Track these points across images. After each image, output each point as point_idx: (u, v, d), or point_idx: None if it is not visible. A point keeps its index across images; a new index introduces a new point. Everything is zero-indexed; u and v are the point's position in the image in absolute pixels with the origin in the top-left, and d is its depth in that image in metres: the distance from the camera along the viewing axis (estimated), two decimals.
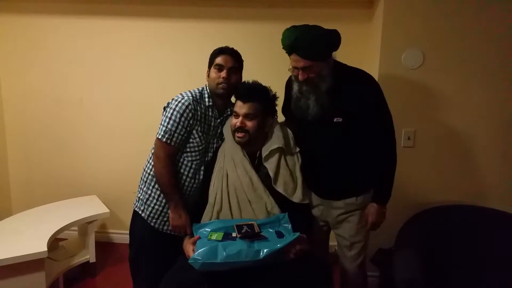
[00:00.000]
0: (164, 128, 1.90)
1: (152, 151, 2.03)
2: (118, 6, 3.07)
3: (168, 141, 1.90)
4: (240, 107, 1.84)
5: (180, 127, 1.89)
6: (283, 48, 1.83)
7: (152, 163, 2.00)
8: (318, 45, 1.75)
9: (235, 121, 1.85)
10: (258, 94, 1.87)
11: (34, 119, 3.33)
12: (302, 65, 1.76)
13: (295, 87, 1.87)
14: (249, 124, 1.83)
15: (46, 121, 3.32)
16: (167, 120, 1.89)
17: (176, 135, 1.90)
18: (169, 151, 1.93)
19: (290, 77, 2.02)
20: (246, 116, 1.83)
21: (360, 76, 1.88)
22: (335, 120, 1.83)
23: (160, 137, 1.91)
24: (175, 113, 1.88)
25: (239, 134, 1.84)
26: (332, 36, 1.79)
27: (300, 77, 1.80)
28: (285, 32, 1.81)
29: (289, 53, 1.81)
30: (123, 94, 3.22)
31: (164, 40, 3.10)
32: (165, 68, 3.14)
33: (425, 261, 2.02)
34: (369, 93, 1.84)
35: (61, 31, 3.18)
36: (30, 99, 3.31)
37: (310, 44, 1.74)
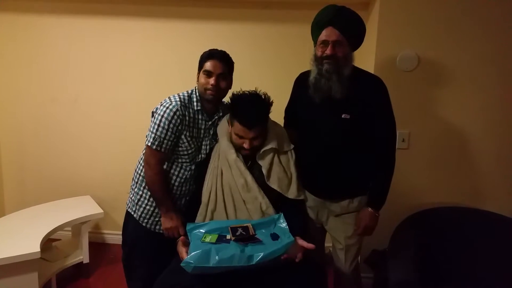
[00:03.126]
0: (153, 135, 1.89)
1: (143, 154, 2.03)
2: (114, 6, 3.06)
3: (158, 148, 1.90)
4: (246, 133, 1.80)
5: (169, 133, 1.89)
6: (317, 23, 1.85)
7: (143, 164, 2.00)
8: (356, 26, 1.85)
9: (240, 142, 1.83)
10: (262, 119, 1.85)
11: (27, 118, 3.31)
12: (335, 38, 1.79)
13: (314, 70, 1.88)
14: (255, 143, 1.84)
15: (39, 120, 3.30)
16: (156, 127, 1.88)
17: (165, 141, 1.90)
18: (160, 158, 1.93)
19: (300, 74, 2.06)
20: (254, 138, 1.83)
21: (372, 79, 1.93)
22: (343, 116, 1.84)
23: (150, 144, 1.90)
24: (163, 119, 1.87)
25: (246, 152, 1.85)
26: (364, 30, 1.89)
27: (328, 51, 1.80)
28: (325, 7, 1.86)
29: (324, 27, 1.82)
30: (118, 94, 3.20)
31: (160, 40, 3.09)
32: (160, 68, 3.13)
33: (419, 263, 2.02)
34: (378, 95, 1.87)
35: (56, 30, 3.16)
36: (24, 98, 3.28)
37: (350, 21, 1.83)
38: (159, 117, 1.88)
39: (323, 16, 1.84)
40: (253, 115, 1.80)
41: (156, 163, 1.92)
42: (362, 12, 2.77)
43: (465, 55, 2.46)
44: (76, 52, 3.17)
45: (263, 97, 1.87)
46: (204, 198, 1.91)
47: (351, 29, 1.83)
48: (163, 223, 1.96)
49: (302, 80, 1.98)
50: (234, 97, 1.87)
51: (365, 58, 2.69)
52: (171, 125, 1.88)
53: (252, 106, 1.82)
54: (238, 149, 1.87)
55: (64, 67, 3.21)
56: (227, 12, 2.98)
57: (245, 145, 1.82)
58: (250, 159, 1.91)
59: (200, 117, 2.00)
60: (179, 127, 1.91)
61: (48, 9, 3.12)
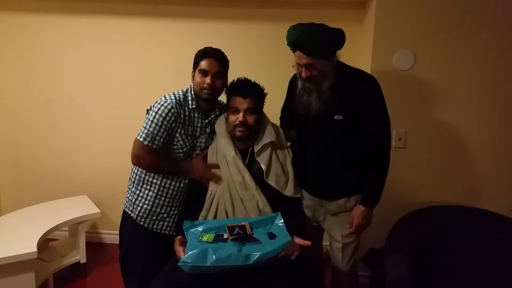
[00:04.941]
0: (145, 131, 1.89)
1: None
2: (111, 5, 3.05)
3: (150, 144, 1.90)
4: (241, 103, 1.86)
5: (162, 130, 1.89)
6: (287, 44, 1.83)
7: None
8: (321, 43, 1.75)
9: (235, 117, 1.87)
10: (256, 90, 1.91)
11: (24, 118, 3.30)
12: (305, 62, 1.77)
13: (299, 84, 1.89)
14: (249, 118, 1.86)
15: (36, 120, 3.29)
16: (149, 123, 1.89)
17: (158, 138, 1.90)
18: (150, 151, 1.92)
19: (294, 75, 2.04)
20: (247, 111, 1.86)
21: (363, 77, 1.91)
22: (335, 117, 1.84)
23: (141, 139, 1.89)
24: (157, 116, 1.88)
25: (240, 129, 1.86)
26: (336, 34, 1.80)
27: (303, 74, 1.81)
28: (290, 29, 1.81)
29: (293, 49, 1.82)
30: (115, 94, 3.20)
31: (156, 40, 3.09)
32: (157, 68, 3.12)
33: (415, 261, 2.03)
34: (370, 93, 1.85)
35: (52, 30, 3.15)
36: (20, 98, 3.27)
37: (313, 42, 1.74)
38: (153, 114, 1.89)
39: (288, 39, 1.81)
40: (246, 84, 1.91)
41: (147, 154, 1.92)
42: (358, 11, 2.81)
43: (462, 54, 2.47)
44: (72, 52, 3.17)
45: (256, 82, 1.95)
46: (207, 196, 1.93)
47: (320, 49, 1.76)
48: (193, 175, 1.95)
49: (296, 80, 1.98)
50: (230, 82, 1.97)
51: (362, 57, 2.70)
52: (165, 122, 1.89)
53: (246, 79, 1.94)
54: (233, 129, 1.88)
55: (61, 67, 3.20)
56: (224, 11, 2.98)
57: (240, 118, 1.84)
58: (248, 157, 1.92)
59: (196, 115, 2.00)
60: (173, 125, 1.91)
61: (44, 8, 3.11)
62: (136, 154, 1.94)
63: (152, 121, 1.88)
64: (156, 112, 1.88)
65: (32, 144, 3.33)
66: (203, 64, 1.92)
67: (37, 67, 3.22)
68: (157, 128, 1.88)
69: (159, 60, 3.12)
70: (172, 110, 1.89)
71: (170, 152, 1.99)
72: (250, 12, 2.97)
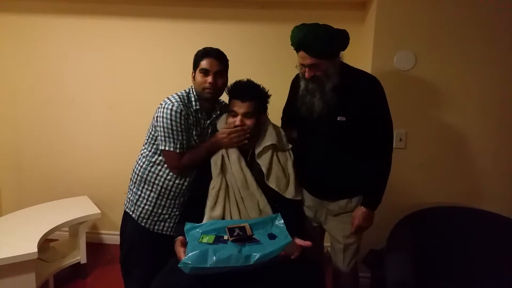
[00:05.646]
0: (172, 140, 1.90)
1: (142, 153, 2.06)
2: (111, 6, 3.05)
3: (181, 150, 1.93)
4: (239, 107, 1.86)
5: (184, 133, 1.92)
6: (291, 45, 1.83)
7: (143, 165, 2.03)
8: (325, 43, 1.75)
9: (233, 120, 1.88)
10: (255, 93, 1.90)
11: (24, 119, 3.30)
12: (309, 62, 1.77)
13: (302, 84, 1.89)
14: (248, 122, 1.87)
15: (36, 120, 3.29)
16: (169, 131, 1.89)
17: (184, 141, 1.93)
18: (182, 156, 1.95)
19: (297, 75, 2.03)
20: (245, 115, 1.86)
21: (366, 78, 1.91)
22: (338, 118, 1.84)
23: (172, 149, 1.91)
24: (173, 123, 1.88)
25: None
26: (340, 35, 1.79)
27: (306, 75, 1.81)
28: (294, 29, 1.81)
29: (297, 50, 1.82)
30: (115, 94, 3.20)
31: (157, 40, 3.09)
32: (158, 68, 3.12)
33: (416, 262, 2.03)
34: (373, 95, 1.86)
35: (52, 31, 3.15)
36: (21, 99, 3.27)
37: (317, 42, 1.74)
38: (167, 121, 1.89)
39: (292, 39, 1.81)
40: (246, 87, 1.90)
41: (181, 161, 1.95)
42: (359, 12, 2.81)
43: (463, 55, 2.47)
44: (72, 53, 3.17)
45: (258, 84, 1.94)
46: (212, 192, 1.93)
47: (324, 49, 1.76)
48: (222, 144, 1.91)
49: (298, 81, 1.99)
50: (231, 84, 1.95)
51: (363, 58, 2.69)
52: (182, 126, 1.90)
53: (247, 82, 1.93)
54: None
55: (61, 68, 3.20)
56: (224, 12, 2.98)
57: (237, 122, 1.85)
58: (248, 157, 1.92)
59: (200, 116, 2.01)
60: (186, 126, 1.93)
61: (44, 9, 3.11)
62: (174, 166, 1.97)
63: (171, 129, 1.89)
64: (170, 119, 1.88)
65: (33, 144, 3.33)
66: (204, 63, 1.92)
67: (37, 67, 3.22)
68: (179, 133, 1.90)
69: (159, 60, 3.11)
70: (183, 112, 1.90)
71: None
72: (250, 13, 2.97)
